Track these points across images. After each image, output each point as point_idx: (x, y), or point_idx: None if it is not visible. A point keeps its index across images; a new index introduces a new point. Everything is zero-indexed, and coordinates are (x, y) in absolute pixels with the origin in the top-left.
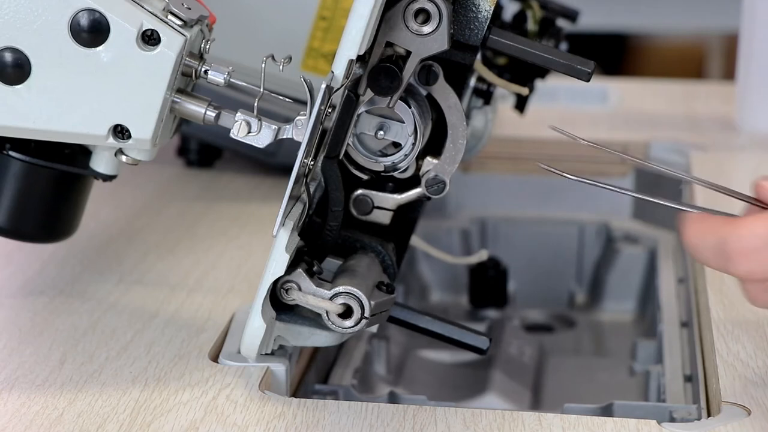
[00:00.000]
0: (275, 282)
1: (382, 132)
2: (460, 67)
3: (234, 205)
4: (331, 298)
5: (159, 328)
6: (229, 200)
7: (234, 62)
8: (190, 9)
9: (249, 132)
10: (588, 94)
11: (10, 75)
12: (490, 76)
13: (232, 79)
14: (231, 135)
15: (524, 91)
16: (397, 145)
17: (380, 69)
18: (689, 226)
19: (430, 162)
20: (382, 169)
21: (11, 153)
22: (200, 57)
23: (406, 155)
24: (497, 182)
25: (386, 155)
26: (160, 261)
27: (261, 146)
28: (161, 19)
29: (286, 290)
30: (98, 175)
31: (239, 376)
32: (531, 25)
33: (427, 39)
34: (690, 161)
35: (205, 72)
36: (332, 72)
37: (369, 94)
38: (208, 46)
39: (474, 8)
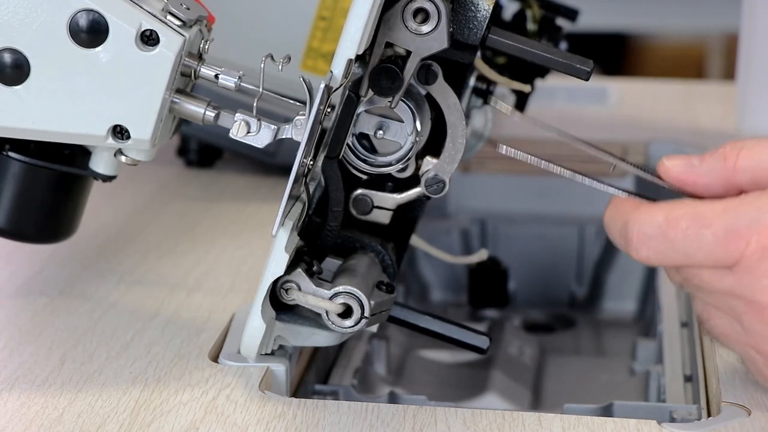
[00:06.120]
0: (275, 282)
1: (381, 132)
2: (459, 66)
3: (234, 205)
4: (330, 298)
5: (159, 328)
6: (229, 200)
7: (233, 62)
8: (189, 9)
9: (248, 132)
10: (588, 93)
11: (9, 75)
12: (491, 74)
13: (243, 83)
14: (230, 135)
15: (526, 88)
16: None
17: (381, 70)
18: (608, 206)
19: (429, 161)
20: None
21: (11, 154)
22: (199, 57)
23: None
24: (497, 182)
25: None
26: (160, 261)
27: (260, 146)
28: (160, 20)
29: (286, 290)
30: (98, 176)
31: (239, 376)
32: (530, 25)
33: (427, 38)
34: None
35: (216, 76)
36: (331, 72)
37: (369, 93)
38: (207, 46)
39: (473, 7)
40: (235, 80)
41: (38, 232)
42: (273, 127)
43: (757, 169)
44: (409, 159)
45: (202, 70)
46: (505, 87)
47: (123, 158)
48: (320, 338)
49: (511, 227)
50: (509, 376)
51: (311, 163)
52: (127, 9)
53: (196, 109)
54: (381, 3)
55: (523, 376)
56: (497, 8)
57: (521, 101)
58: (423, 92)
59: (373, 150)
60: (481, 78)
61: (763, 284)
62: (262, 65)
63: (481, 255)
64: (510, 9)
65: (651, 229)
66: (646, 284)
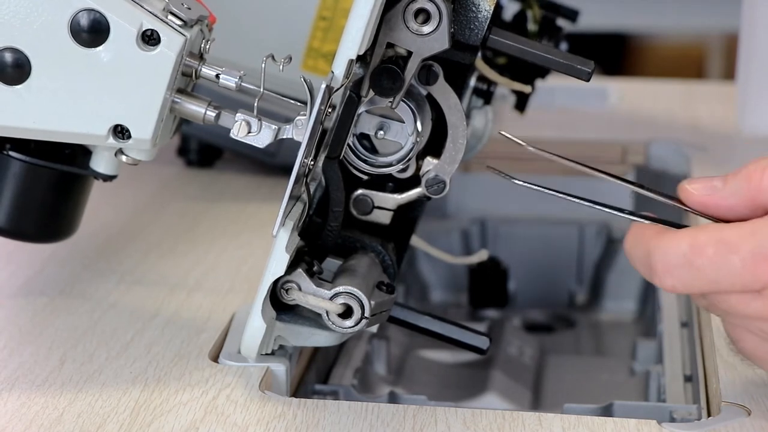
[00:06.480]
0: (275, 282)
1: (382, 132)
2: (460, 67)
3: (234, 205)
4: (331, 298)
5: (159, 328)
6: (229, 200)
7: (234, 62)
8: (190, 9)
9: (249, 132)
10: (588, 94)
11: (10, 75)
12: (492, 74)
13: (243, 83)
14: (231, 135)
15: (527, 88)
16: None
17: (382, 70)
18: (629, 233)
19: (430, 162)
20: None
21: (11, 153)
22: (200, 57)
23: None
24: (497, 182)
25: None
26: (160, 261)
27: (261, 146)
28: (161, 19)
29: (286, 290)
30: (98, 175)
31: (239, 376)
32: (531, 25)
33: (428, 39)
34: (690, 161)
35: (217, 76)
36: (332, 72)
37: (370, 94)
38: (208, 46)
39: (474, 8)
40: (236, 80)
41: (39, 231)
42: (274, 127)
43: None
44: (409, 159)
45: (203, 69)
46: (505, 87)
47: (123, 158)
48: (320, 338)
49: (511, 227)
50: (509, 376)
51: (312, 163)
52: (128, 9)
53: (196, 109)
54: (382, 3)
55: (523, 376)
56: (498, 9)
57: (522, 102)
58: (424, 93)
59: (373, 150)
60: (481, 78)
61: None
62: (263, 65)
63: (481, 255)
64: (510, 9)
65: (676, 258)
66: (646, 284)
